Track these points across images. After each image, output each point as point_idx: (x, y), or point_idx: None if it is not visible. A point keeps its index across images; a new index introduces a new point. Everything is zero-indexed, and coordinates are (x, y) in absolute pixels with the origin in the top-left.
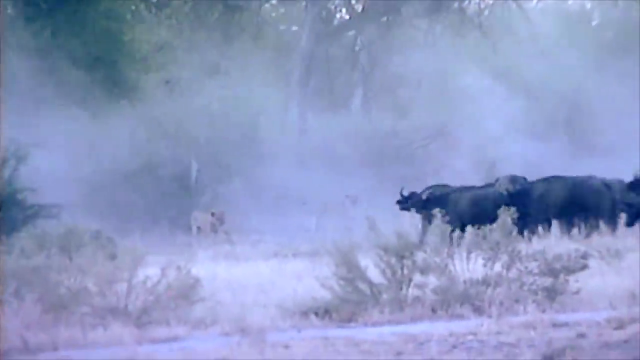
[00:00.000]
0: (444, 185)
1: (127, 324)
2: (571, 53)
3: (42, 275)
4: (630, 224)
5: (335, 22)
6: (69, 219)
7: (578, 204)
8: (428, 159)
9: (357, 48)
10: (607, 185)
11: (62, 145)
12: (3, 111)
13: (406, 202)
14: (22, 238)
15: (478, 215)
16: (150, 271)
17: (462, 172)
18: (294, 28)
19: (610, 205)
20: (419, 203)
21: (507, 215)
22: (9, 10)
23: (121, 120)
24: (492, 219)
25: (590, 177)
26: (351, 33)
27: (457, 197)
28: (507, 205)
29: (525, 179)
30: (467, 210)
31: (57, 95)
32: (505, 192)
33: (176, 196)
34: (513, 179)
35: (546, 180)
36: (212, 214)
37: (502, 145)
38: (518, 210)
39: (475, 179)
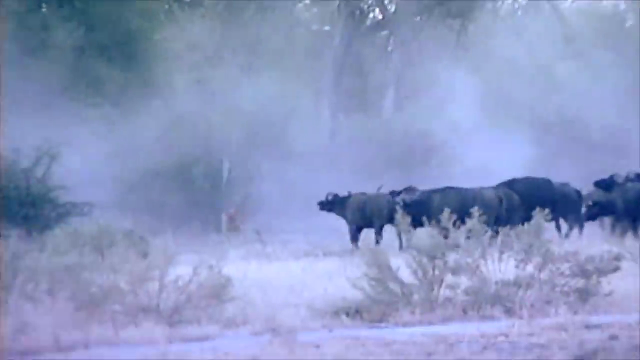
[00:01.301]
0: (413, 188)
1: (159, 323)
2: (605, 54)
3: (75, 273)
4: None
5: (368, 22)
6: (101, 218)
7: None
8: (459, 160)
9: (389, 48)
10: (500, 196)
11: (94, 144)
12: (36, 110)
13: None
14: (55, 236)
15: (369, 220)
16: (181, 270)
17: (492, 173)
18: (327, 28)
19: (503, 215)
20: (324, 205)
21: (540, 217)
22: (44, 9)
23: (153, 119)
24: (381, 226)
25: (482, 188)
26: (384, 33)
27: (353, 201)
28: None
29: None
30: (358, 215)
31: (90, 94)
32: (401, 202)
33: (208, 195)
34: (409, 189)
35: (441, 190)
36: (226, 214)
37: (533, 145)
38: (414, 219)
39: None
